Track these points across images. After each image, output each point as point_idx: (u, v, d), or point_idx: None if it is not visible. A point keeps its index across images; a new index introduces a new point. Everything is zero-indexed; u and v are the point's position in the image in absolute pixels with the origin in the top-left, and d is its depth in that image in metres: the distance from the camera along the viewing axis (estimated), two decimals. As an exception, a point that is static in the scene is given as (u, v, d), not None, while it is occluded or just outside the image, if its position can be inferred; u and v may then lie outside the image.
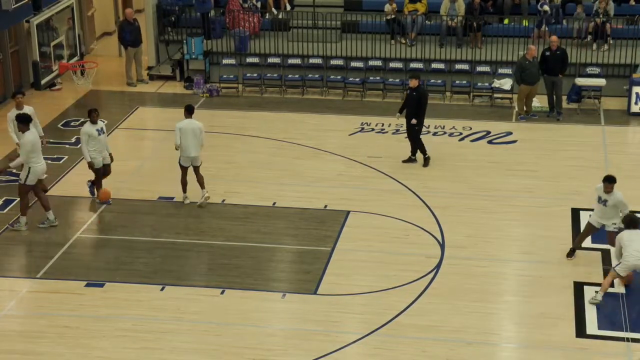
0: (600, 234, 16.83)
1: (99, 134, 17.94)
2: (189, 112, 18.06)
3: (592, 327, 14.19)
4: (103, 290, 15.24)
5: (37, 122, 18.74)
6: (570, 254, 16.16)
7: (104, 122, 18.88)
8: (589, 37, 24.62)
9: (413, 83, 19.64)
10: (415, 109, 19.52)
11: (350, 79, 24.49)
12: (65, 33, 25.79)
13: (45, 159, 20.06)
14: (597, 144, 21.07)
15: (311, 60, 24.94)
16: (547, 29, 24.69)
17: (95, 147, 17.95)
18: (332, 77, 24.62)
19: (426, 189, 18.75)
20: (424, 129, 20.68)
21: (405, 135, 20.23)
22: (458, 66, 24.38)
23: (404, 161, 19.89)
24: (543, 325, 14.20)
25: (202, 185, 18.07)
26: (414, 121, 19.50)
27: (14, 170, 17.89)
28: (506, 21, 25.37)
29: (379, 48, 24.95)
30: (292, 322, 14.44)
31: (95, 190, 18.35)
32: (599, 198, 15.77)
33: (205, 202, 18.04)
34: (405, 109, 19.77)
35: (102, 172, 18.21)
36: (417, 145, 19.78)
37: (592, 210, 17.57)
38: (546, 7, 24.85)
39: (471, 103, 23.82)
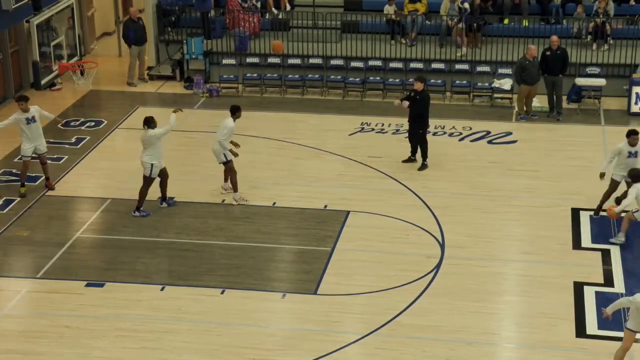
0: (601, 235, 16.87)
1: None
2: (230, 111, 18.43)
3: (592, 327, 14.19)
4: (103, 290, 15.24)
5: (43, 113, 18.94)
6: (597, 213, 17.50)
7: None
8: (589, 37, 24.63)
9: (418, 86, 19.56)
10: (416, 111, 19.46)
11: (350, 79, 24.49)
12: (65, 33, 25.78)
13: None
14: (597, 144, 21.06)
15: (311, 60, 24.93)
16: (463, 26, 24.82)
17: (152, 153, 17.56)
18: (332, 77, 24.62)
19: (426, 189, 18.75)
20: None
21: (406, 135, 20.22)
22: (458, 66, 24.38)
23: (403, 161, 19.88)
24: (543, 325, 14.20)
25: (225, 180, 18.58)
26: (405, 103, 19.37)
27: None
28: (506, 21, 25.37)
29: (379, 48, 24.95)
30: (292, 322, 14.44)
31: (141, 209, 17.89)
32: (629, 153, 17.12)
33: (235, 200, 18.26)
34: (408, 104, 19.62)
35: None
36: (421, 149, 19.72)
37: (592, 210, 17.63)
38: (466, 5, 24.95)
39: (471, 103, 23.82)
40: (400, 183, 19.05)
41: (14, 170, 19.57)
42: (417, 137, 19.72)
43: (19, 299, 15.09)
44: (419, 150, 19.82)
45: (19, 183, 18.67)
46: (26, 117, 18.44)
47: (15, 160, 20.10)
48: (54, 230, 17.25)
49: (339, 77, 24.60)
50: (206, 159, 19.86)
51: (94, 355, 13.53)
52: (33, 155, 18.67)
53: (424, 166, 19.70)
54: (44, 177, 18.97)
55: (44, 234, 17.11)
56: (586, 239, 16.77)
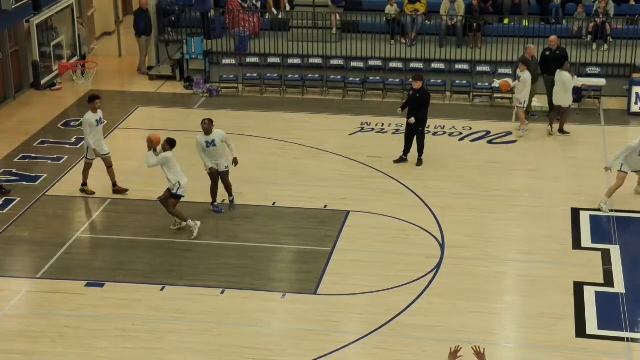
0: (601, 234, 16.88)
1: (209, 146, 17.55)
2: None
3: (592, 327, 14.19)
4: (103, 290, 15.24)
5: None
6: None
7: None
8: (589, 37, 24.63)
9: (417, 85, 19.63)
10: (417, 110, 19.52)
11: (350, 79, 24.49)
12: (73, 33, 25.80)
13: (45, 158, 20.20)
14: (597, 144, 21.06)
15: (311, 60, 24.94)
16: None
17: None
18: (332, 77, 24.62)
19: (426, 189, 18.75)
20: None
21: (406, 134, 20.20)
22: (458, 66, 24.38)
23: (395, 161, 19.87)
24: (543, 325, 14.20)
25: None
26: (412, 120, 19.48)
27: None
28: (506, 21, 25.38)
29: (379, 48, 24.95)
30: (292, 322, 14.43)
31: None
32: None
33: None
34: (406, 107, 19.79)
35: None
36: (419, 143, 19.76)
37: (592, 209, 17.65)
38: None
39: (471, 103, 23.82)
40: (400, 183, 19.05)
41: (13, 170, 19.56)
42: (416, 134, 19.71)
43: (19, 299, 15.09)
44: (411, 150, 19.83)
45: (82, 183, 18.58)
46: (97, 118, 18.22)
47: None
48: (54, 230, 17.24)
49: (339, 77, 24.60)
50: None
51: (94, 355, 13.53)
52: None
53: (420, 162, 19.72)
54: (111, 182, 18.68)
55: (44, 234, 17.10)
56: (586, 239, 16.77)
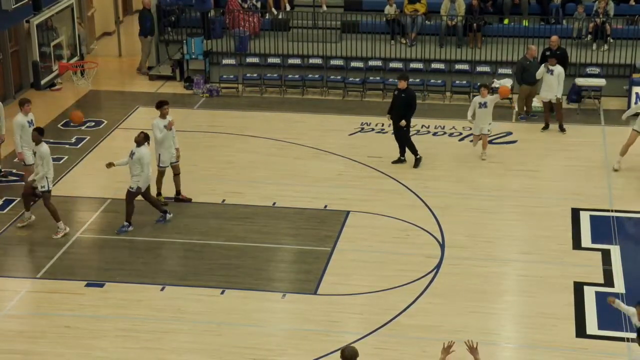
0: (601, 234, 16.87)
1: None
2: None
3: (592, 327, 14.19)
4: (103, 290, 15.24)
5: (174, 135, 18.01)
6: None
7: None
8: (589, 37, 24.63)
9: (402, 84, 19.64)
10: (404, 111, 19.50)
11: (350, 79, 24.49)
12: (73, 33, 25.78)
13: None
14: (597, 144, 21.06)
15: (311, 60, 24.93)
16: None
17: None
18: (332, 77, 24.61)
19: (426, 189, 18.74)
20: (423, 128, 20.72)
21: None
22: (458, 66, 24.37)
23: (393, 162, 19.86)
24: (543, 325, 14.20)
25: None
26: (403, 123, 19.44)
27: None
28: (506, 21, 25.37)
29: (379, 48, 24.95)
30: (292, 322, 14.44)
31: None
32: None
33: None
34: (393, 110, 19.75)
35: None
36: (407, 145, 19.73)
37: (592, 209, 17.61)
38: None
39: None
40: (400, 183, 19.05)
41: (14, 170, 19.56)
42: (400, 134, 19.67)
43: (19, 299, 15.09)
44: (407, 149, 19.84)
45: (157, 193, 18.07)
46: (164, 123, 17.77)
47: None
48: (54, 230, 17.23)
49: (339, 77, 24.60)
50: (205, 159, 19.90)
51: (94, 355, 13.53)
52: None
53: (418, 161, 19.69)
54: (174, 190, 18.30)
55: (44, 234, 17.10)
56: (586, 239, 16.77)
